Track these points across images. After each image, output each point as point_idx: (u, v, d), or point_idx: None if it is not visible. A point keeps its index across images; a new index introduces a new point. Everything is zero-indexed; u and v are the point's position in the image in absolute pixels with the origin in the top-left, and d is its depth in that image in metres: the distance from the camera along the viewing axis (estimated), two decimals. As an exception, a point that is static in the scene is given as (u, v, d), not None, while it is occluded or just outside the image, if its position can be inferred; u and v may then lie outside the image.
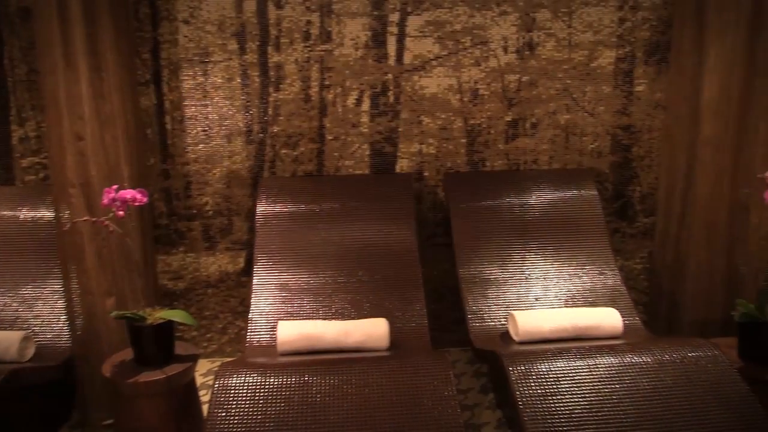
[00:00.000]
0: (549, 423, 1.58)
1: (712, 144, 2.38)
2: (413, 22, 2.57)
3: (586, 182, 2.55)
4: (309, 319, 2.15)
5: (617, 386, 1.67)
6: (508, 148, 2.70)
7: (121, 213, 1.89)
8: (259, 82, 2.57)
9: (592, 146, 2.72)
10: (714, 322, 2.42)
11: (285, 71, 2.57)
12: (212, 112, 2.58)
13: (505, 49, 2.62)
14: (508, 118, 2.68)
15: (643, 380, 1.69)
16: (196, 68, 2.54)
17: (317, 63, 2.57)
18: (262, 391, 1.65)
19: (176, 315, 1.97)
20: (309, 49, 2.56)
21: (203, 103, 2.57)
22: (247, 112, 2.59)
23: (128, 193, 1.90)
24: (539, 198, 2.50)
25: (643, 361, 1.74)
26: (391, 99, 2.63)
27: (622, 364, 1.73)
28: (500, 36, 2.60)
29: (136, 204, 1.92)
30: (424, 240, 2.69)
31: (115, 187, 1.92)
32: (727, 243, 2.40)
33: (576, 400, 1.64)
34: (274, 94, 2.59)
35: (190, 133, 2.59)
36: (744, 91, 2.33)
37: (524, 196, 2.49)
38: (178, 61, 2.53)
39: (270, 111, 2.60)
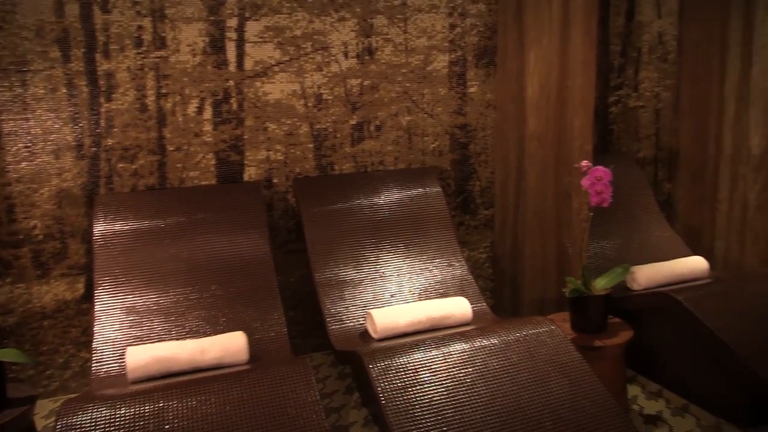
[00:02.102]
0: (411, 414, 1.65)
1: (536, 139, 2.61)
2: (252, 28, 2.54)
3: (430, 180, 2.69)
4: (161, 341, 2.04)
5: (470, 369, 1.78)
6: (354, 151, 2.76)
7: (-74, 246, 1.67)
8: (87, 92, 2.39)
9: (434, 145, 2.87)
10: (550, 299, 2.66)
11: (117, 80, 2.42)
12: (35, 126, 2.35)
13: (346, 54, 2.68)
14: (353, 122, 2.74)
15: (493, 361, 1.81)
16: (13, 78, 2.30)
17: (152, 70, 2.45)
18: (112, 425, 1.53)
19: (5, 354, 1.79)
20: (142, 56, 2.43)
21: (23, 116, 2.34)
22: (76, 125, 2.40)
23: (-66, 223, 1.69)
24: (387, 198, 2.58)
25: (492, 344, 1.87)
26: (234, 106, 2.57)
27: (473, 348, 1.84)
28: (340, 41, 2.66)
29: (-54, 234, 1.71)
30: (279, 247, 2.67)
31: None
32: (555, 227, 2.65)
33: (434, 387, 1.72)
34: (106, 105, 2.42)
35: (9, 150, 2.34)
36: (560, 90, 2.58)
37: (373, 197, 2.57)
38: (-12, 72, 2.28)
39: (102, 123, 2.42)
